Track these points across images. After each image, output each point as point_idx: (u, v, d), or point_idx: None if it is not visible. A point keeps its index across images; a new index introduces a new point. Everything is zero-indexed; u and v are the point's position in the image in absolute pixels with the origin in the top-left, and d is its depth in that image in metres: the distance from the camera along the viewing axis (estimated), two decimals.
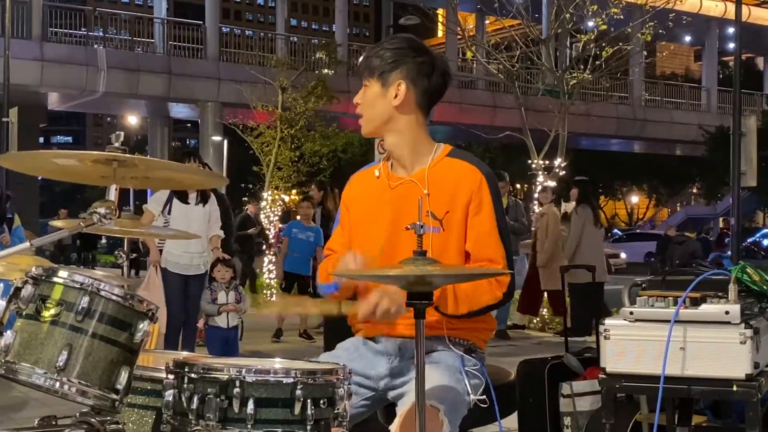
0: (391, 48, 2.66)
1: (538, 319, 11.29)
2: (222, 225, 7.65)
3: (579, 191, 10.14)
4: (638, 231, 40.35)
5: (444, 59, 2.78)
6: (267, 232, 14.89)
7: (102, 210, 2.39)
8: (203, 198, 7.27)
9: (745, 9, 22.54)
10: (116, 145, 2.42)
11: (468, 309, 2.54)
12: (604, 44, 13.29)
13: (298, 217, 10.44)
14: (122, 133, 2.46)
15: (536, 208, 11.61)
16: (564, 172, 12.66)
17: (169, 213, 7.15)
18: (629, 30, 14.90)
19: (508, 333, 10.36)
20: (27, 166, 2.81)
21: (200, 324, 7.88)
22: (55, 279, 2.30)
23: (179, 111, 31.82)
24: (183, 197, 7.17)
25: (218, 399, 2.08)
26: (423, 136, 2.70)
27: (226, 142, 27.51)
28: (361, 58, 2.79)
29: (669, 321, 3.01)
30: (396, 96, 2.63)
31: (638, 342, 3.09)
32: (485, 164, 2.69)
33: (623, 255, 28.86)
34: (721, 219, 42.98)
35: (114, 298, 2.30)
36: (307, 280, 10.25)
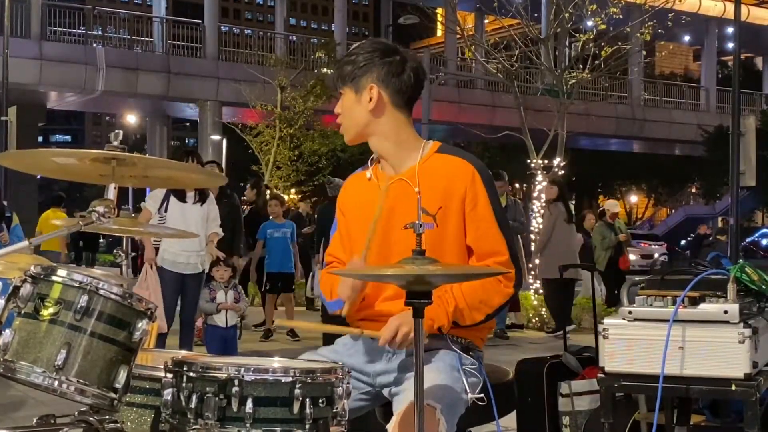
0: (361, 53, 2.67)
1: (537, 318, 11.30)
2: (231, 225, 7.62)
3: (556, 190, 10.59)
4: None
5: (417, 57, 2.77)
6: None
7: (101, 209, 2.39)
8: (201, 197, 7.25)
9: (744, 9, 22.57)
10: (115, 143, 2.42)
11: (485, 314, 2.59)
12: (603, 44, 13.29)
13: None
14: (121, 132, 2.46)
15: (535, 207, 11.85)
16: (563, 172, 12.66)
17: (165, 211, 7.12)
18: (628, 29, 14.89)
19: (507, 332, 10.36)
20: (26, 165, 2.81)
21: (199, 323, 7.88)
22: (53, 278, 2.29)
23: (178, 110, 31.80)
24: (180, 195, 7.14)
25: (217, 398, 2.07)
26: (407, 134, 2.69)
27: (225, 141, 27.51)
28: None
29: (668, 320, 3.01)
30: (370, 100, 2.64)
31: (637, 341, 3.10)
32: (476, 158, 2.69)
33: (656, 255, 28.95)
34: (720, 219, 42.98)
35: (113, 297, 2.29)
36: (292, 277, 10.22)
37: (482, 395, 2.57)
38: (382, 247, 2.62)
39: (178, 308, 7.29)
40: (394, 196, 2.63)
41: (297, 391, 2.07)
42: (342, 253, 2.78)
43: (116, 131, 2.45)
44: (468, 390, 2.54)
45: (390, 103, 2.66)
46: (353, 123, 2.70)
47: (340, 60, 2.74)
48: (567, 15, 12.83)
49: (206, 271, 7.35)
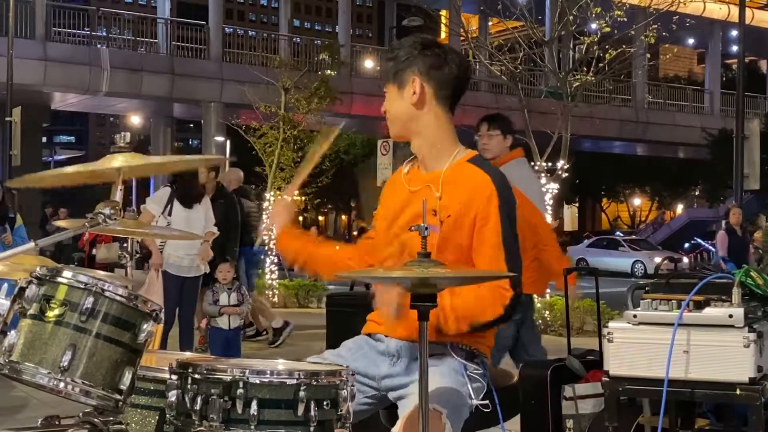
0: (401, 48, 2.67)
1: (539, 321, 11.28)
2: (227, 227, 7.60)
3: None
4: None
5: (458, 51, 2.76)
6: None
7: (107, 210, 2.39)
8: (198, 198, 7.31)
9: (748, 12, 22.56)
10: (121, 144, 2.43)
11: (469, 325, 2.51)
12: (607, 46, 13.26)
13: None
14: (128, 134, 2.47)
15: None
16: (566, 174, 12.64)
17: (169, 215, 7.11)
18: (632, 32, 14.88)
19: None
20: (36, 182, 2.74)
21: (203, 324, 7.88)
22: (59, 279, 2.29)
23: (182, 111, 31.82)
24: (185, 201, 7.14)
25: (222, 400, 2.08)
26: (445, 135, 2.67)
27: (228, 142, 27.52)
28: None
29: (672, 324, 3.00)
30: (414, 93, 2.62)
31: (642, 345, 3.09)
32: (502, 175, 2.63)
33: (685, 260, 28.69)
34: (723, 222, 42.93)
35: (118, 298, 2.29)
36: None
37: (486, 401, 2.57)
38: (402, 246, 2.61)
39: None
40: (417, 198, 2.60)
41: (302, 394, 2.08)
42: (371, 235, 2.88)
43: (123, 133, 2.46)
44: (472, 395, 2.54)
45: (433, 96, 2.64)
46: (397, 117, 2.69)
47: (382, 56, 2.75)
48: (571, 18, 12.80)
49: (205, 272, 7.34)
